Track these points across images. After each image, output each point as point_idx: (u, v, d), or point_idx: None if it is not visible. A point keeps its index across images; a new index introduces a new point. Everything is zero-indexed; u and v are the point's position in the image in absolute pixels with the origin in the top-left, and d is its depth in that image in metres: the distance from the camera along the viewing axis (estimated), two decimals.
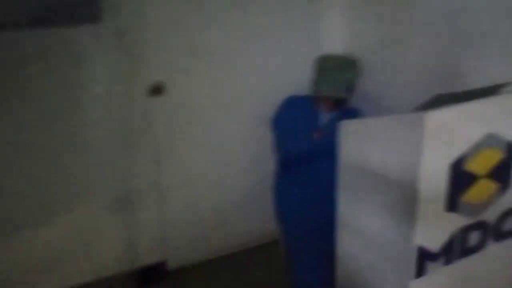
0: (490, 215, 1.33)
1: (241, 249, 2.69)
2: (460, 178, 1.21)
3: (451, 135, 1.16)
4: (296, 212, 2.15)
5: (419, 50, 2.04)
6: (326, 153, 2.09)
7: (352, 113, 2.24)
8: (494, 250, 1.38)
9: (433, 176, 1.17)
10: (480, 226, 1.31)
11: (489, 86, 1.39)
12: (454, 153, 1.18)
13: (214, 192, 2.55)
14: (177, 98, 2.26)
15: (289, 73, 2.53)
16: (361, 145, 1.39)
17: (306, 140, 2.09)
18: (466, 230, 1.29)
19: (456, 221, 1.26)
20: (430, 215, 1.20)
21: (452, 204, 1.22)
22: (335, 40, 2.53)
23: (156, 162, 2.31)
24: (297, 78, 2.52)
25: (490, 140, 1.23)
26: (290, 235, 2.20)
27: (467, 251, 1.32)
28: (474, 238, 1.32)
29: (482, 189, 1.26)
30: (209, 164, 2.49)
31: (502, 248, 1.40)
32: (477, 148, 1.21)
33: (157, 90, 2.18)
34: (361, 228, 1.45)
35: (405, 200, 1.20)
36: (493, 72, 1.64)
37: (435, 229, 1.23)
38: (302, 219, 2.12)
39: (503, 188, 1.31)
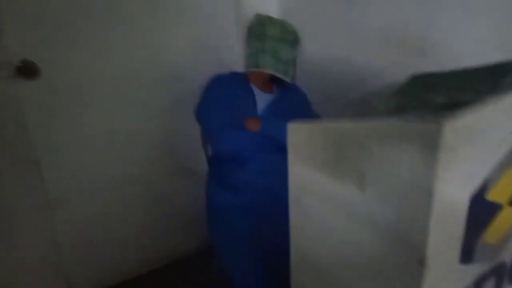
0: (508, 253, 0.95)
1: (161, 265, 2.21)
2: (481, 212, 0.81)
3: (471, 154, 0.75)
4: (234, 226, 1.69)
5: (375, 10, 1.60)
6: (267, 147, 1.65)
7: (296, 95, 1.80)
8: None
9: (448, 217, 0.76)
10: (497, 270, 0.94)
11: (490, 65, 1.00)
12: (476, 180, 0.77)
13: (116, 201, 2.00)
14: (56, 81, 1.67)
15: (209, 41, 2.01)
16: (325, 165, 0.94)
17: (241, 132, 1.61)
18: (482, 279, 0.90)
19: (472, 272, 0.87)
20: (440, 272, 0.79)
21: (469, 251, 0.83)
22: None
23: (34, 169, 1.71)
24: (220, 48, 2.01)
25: None
26: (230, 253, 1.72)
27: None
28: (489, 286, 0.94)
29: (504, 221, 0.88)
30: (107, 166, 1.93)
31: None
32: (501, 168, 0.81)
33: (27, 71, 1.57)
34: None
35: (405, 256, 0.78)
36: (478, 43, 1.27)
37: None
38: (242, 235, 1.67)
39: None
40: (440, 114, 0.73)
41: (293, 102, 1.76)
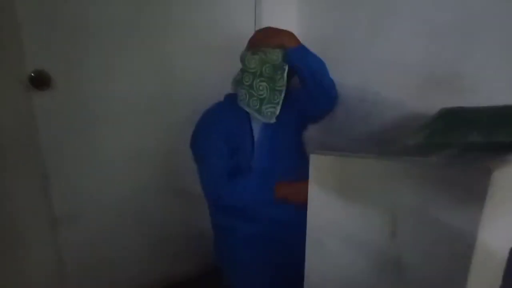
0: None
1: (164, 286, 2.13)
2: None
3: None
4: (250, 253, 1.58)
5: (401, 42, 1.55)
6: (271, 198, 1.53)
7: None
8: None
9: (487, 267, 0.72)
10: None
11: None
12: None
13: (121, 220, 1.92)
14: (69, 94, 1.60)
15: (221, 63, 1.95)
16: (350, 203, 0.89)
17: (242, 180, 1.47)
18: None
19: None
20: None
21: None
22: (284, 22, 1.96)
23: (41, 187, 1.64)
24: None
25: None
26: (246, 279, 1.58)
27: None
28: None
29: None
30: (113, 184, 1.85)
31: None
32: None
33: (40, 82, 1.51)
34: None
35: None
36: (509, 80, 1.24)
37: None
38: (258, 263, 1.58)
39: None
40: (483, 159, 0.69)
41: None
